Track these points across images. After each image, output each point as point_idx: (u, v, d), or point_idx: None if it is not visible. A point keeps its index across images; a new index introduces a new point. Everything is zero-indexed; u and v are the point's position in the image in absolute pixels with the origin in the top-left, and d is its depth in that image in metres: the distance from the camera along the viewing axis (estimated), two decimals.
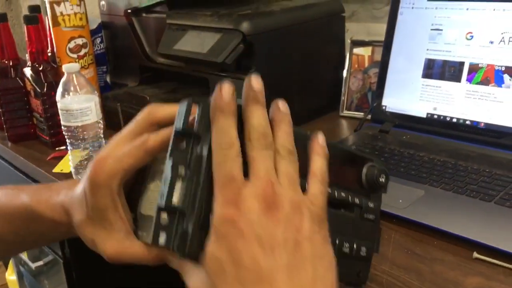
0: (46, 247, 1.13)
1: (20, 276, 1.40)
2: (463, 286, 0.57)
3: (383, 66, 1.01)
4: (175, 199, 0.35)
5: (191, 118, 0.37)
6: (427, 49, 0.94)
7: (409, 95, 0.97)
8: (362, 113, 1.08)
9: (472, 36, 0.89)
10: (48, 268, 1.15)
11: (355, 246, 0.44)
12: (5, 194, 0.51)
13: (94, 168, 0.42)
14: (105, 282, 1.07)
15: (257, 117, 0.37)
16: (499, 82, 0.86)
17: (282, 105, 0.39)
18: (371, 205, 0.46)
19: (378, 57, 1.08)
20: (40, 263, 1.14)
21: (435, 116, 0.93)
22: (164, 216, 0.35)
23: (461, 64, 0.90)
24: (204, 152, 0.36)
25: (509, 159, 0.82)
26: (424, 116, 0.95)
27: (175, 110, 0.39)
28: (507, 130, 0.85)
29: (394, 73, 0.99)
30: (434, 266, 0.61)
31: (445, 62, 0.92)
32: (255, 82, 0.37)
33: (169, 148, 0.37)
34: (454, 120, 0.91)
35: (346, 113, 1.14)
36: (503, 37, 0.85)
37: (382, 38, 1.02)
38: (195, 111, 0.37)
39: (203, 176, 0.36)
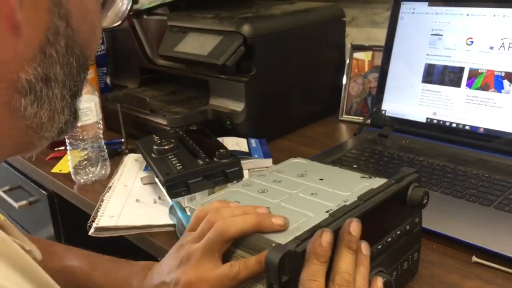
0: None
1: None
2: None
3: (383, 70, 1.01)
4: None
5: None
6: (427, 54, 0.95)
7: (409, 99, 0.97)
8: (362, 118, 1.09)
9: (472, 42, 0.89)
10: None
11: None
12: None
13: None
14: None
15: (346, 263, 0.43)
16: (499, 88, 0.86)
17: (364, 248, 0.45)
18: (416, 220, 0.57)
19: (378, 62, 1.09)
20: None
21: (435, 121, 0.93)
22: None
23: (461, 69, 0.90)
24: None
25: (508, 165, 0.82)
26: (424, 121, 0.95)
27: (244, 227, 0.48)
28: (507, 135, 0.85)
29: (394, 78, 0.99)
30: (433, 269, 0.61)
31: (445, 67, 0.93)
32: (354, 228, 0.44)
33: None
34: (454, 125, 0.91)
35: (345, 117, 1.14)
36: (503, 43, 0.86)
37: (382, 44, 1.02)
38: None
39: None
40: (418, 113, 0.96)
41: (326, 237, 0.43)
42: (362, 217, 0.47)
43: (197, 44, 0.99)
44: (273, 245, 0.45)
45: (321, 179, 0.58)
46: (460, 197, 0.73)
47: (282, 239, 0.46)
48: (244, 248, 0.49)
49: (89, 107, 0.85)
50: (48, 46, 0.34)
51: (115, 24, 0.46)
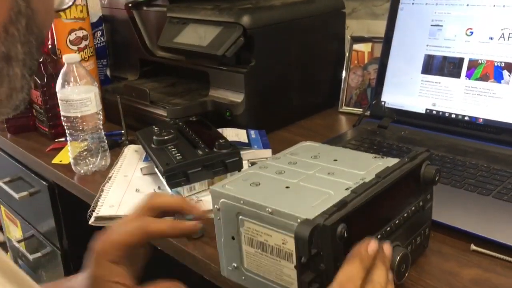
0: (44, 239, 1.13)
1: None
2: (459, 277, 0.57)
3: (382, 61, 1.01)
4: None
5: None
6: (427, 45, 0.95)
7: (408, 91, 0.97)
8: (361, 109, 1.09)
9: (472, 32, 0.89)
10: (46, 260, 1.15)
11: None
12: None
13: (99, 240, 0.54)
14: None
15: (379, 275, 0.46)
16: (498, 78, 0.86)
17: (387, 249, 0.48)
18: (428, 196, 0.59)
19: (377, 53, 1.08)
20: (38, 254, 1.14)
21: (434, 112, 0.94)
22: None
23: (461, 60, 0.90)
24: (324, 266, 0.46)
25: (507, 155, 0.82)
26: (423, 111, 0.95)
27: (172, 201, 0.58)
28: (506, 126, 0.85)
29: (394, 69, 0.99)
30: (431, 257, 0.61)
31: (444, 58, 0.92)
32: (387, 251, 0.48)
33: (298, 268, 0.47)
34: (453, 116, 0.91)
35: (345, 109, 1.14)
36: (503, 33, 0.86)
37: (382, 35, 1.02)
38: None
39: None
40: (417, 104, 0.96)
41: (373, 245, 0.46)
42: (381, 194, 0.50)
43: (197, 35, 0.99)
44: (300, 220, 0.46)
45: (335, 160, 0.60)
46: (458, 186, 0.74)
47: (309, 214, 0.47)
48: (270, 227, 0.51)
49: (89, 97, 0.85)
50: (10, 25, 0.35)
51: (66, 6, 0.47)
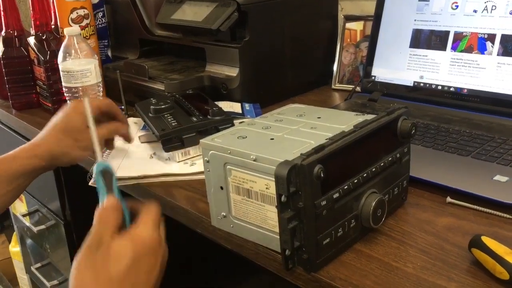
0: (48, 211, 1.18)
1: (23, 243, 1.45)
2: (434, 224, 0.61)
3: (373, 37, 1.04)
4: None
5: None
6: (415, 20, 0.98)
7: (397, 65, 1.00)
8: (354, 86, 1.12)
9: (457, 6, 0.93)
10: (49, 232, 1.20)
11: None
12: None
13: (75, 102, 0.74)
14: None
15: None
16: (482, 49, 0.89)
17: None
18: (405, 150, 0.63)
19: (369, 31, 1.12)
20: (42, 227, 1.18)
21: (421, 84, 0.97)
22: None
23: (447, 33, 0.94)
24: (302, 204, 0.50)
25: (490, 121, 0.85)
26: (411, 84, 0.98)
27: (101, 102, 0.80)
28: (489, 95, 0.88)
29: (383, 44, 1.03)
30: (409, 209, 0.65)
31: (431, 31, 0.96)
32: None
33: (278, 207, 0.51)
34: (439, 87, 0.95)
35: (338, 86, 1.18)
36: (486, 6, 0.89)
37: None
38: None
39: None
40: (406, 77, 0.99)
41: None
42: (358, 141, 0.54)
43: (192, 12, 1.03)
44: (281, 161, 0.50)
45: (319, 117, 0.64)
46: (440, 149, 0.77)
47: (289, 158, 0.50)
48: (255, 173, 0.55)
49: (89, 69, 0.89)
50: None
51: None
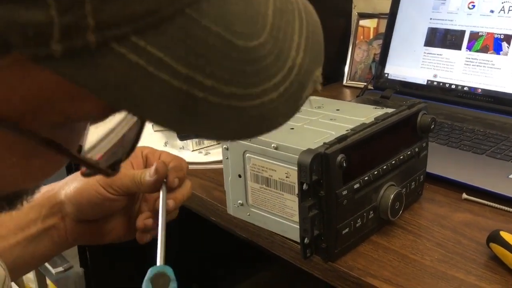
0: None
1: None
2: (451, 219, 0.61)
3: (387, 35, 1.04)
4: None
5: None
6: (430, 18, 0.98)
7: (411, 63, 1.00)
8: (365, 83, 1.12)
9: (474, 6, 0.93)
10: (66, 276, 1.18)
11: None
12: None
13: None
14: None
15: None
16: (498, 50, 0.89)
17: None
18: (424, 144, 0.62)
19: (383, 29, 1.12)
20: (60, 269, 1.16)
21: (435, 83, 0.97)
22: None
23: (462, 32, 0.94)
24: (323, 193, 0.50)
25: (504, 122, 0.85)
26: (425, 83, 0.98)
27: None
28: (503, 95, 0.88)
29: (398, 42, 1.03)
30: (425, 204, 0.65)
31: (447, 30, 0.96)
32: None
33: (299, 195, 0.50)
34: (453, 86, 0.95)
35: (349, 83, 1.18)
36: (503, 6, 0.89)
37: (388, 12, 1.05)
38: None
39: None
40: (419, 75, 0.99)
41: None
42: (379, 133, 0.54)
43: None
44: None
45: (338, 110, 0.64)
46: (454, 146, 0.77)
47: (311, 147, 0.50)
48: (275, 161, 0.56)
49: None
50: None
51: None
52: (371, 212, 0.55)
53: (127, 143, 0.30)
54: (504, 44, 0.89)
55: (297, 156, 0.50)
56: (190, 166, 0.77)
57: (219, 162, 0.76)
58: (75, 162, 0.25)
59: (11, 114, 0.21)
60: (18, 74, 0.19)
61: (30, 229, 0.52)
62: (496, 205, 0.62)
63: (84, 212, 0.52)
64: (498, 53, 0.89)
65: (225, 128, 0.22)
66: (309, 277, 0.56)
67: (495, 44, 0.90)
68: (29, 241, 0.52)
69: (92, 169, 0.27)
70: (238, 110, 0.21)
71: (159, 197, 0.50)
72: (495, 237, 0.52)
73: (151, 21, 0.19)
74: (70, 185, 0.52)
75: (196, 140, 0.81)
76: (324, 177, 0.49)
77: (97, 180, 0.51)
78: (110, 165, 0.29)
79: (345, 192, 0.51)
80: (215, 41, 0.20)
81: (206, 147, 0.82)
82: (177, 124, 0.21)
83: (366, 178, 0.53)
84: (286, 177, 0.55)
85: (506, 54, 0.88)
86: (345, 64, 1.18)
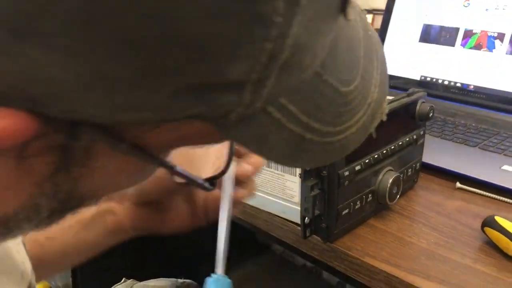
0: None
1: None
2: (445, 206, 0.62)
3: (382, 30, 1.06)
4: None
5: None
6: (426, 15, 1.00)
7: (406, 58, 1.02)
8: None
9: (469, 4, 0.95)
10: None
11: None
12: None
13: None
14: None
15: None
16: (491, 47, 0.91)
17: None
18: (421, 132, 0.64)
19: (378, 25, 1.13)
20: None
21: (428, 79, 0.99)
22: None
23: (457, 29, 0.96)
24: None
25: (494, 118, 0.87)
26: (418, 78, 1.00)
27: None
28: (495, 92, 0.90)
29: (392, 38, 1.04)
30: (419, 191, 0.66)
31: (441, 27, 0.98)
32: None
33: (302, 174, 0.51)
34: (446, 82, 0.96)
35: None
36: (497, 5, 0.91)
37: (382, 9, 1.07)
38: None
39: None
40: (413, 71, 1.01)
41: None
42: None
43: None
44: None
45: None
46: (448, 139, 0.79)
47: None
48: None
49: None
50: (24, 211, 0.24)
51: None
52: (370, 195, 0.56)
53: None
54: (497, 42, 0.91)
55: None
56: None
57: None
58: (179, 176, 0.27)
59: (167, 146, 0.24)
60: (185, 127, 0.22)
61: (84, 212, 0.47)
62: (489, 194, 0.64)
63: (145, 190, 0.47)
64: (491, 51, 0.91)
65: (315, 160, 0.25)
66: (295, 271, 0.57)
67: (489, 41, 0.92)
68: (83, 226, 0.48)
69: (193, 184, 0.28)
70: (328, 145, 0.24)
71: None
72: (490, 222, 0.53)
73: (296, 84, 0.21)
74: None
75: None
76: None
77: None
78: (207, 180, 0.30)
79: (346, 173, 0.52)
80: (328, 92, 0.23)
81: None
82: (285, 160, 0.24)
83: (367, 161, 0.54)
84: None
85: (498, 52, 0.90)
86: None
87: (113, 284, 0.73)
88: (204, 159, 0.38)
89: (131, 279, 0.73)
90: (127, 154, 0.21)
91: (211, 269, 0.41)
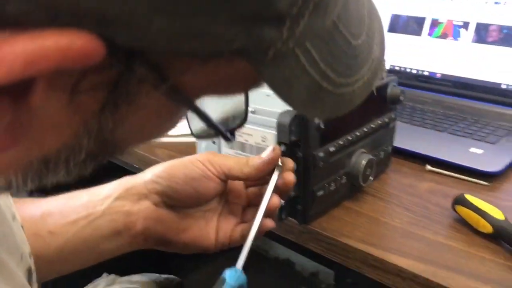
0: None
1: None
2: (417, 188, 0.63)
3: None
4: None
5: None
6: (394, 5, 1.01)
7: None
8: None
9: None
10: None
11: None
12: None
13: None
14: None
15: None
16: (456, 36, 0.94)
17: None
18: (393, 115, 0.65)
19: None
20: None
21: (397, 68, 1.00)
22: None
23: (424, 19, 0.98)
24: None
25: (461, 104, 0.90)
26: (387, 68, 1.02)
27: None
28: (461, 80, 0.93)
29: None
30: (391, 174, 0.67)
31: (409, 17, 1.00)
32: None
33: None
34: (414, 71, 0.98)
35: None
36: None
37: None
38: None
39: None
40: None
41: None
42: None
43: None
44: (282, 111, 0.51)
45: None
46: (417, 125, 0.80)
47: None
48: (251, 126, 0.56)
49: None
50: (55, 161, 0.24)
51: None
52: (344, 177, 0.57)
53: (238, 113, 0.35)
54: (462, 31, 0.93)
55: (275, 119, 0.51)
56: (160, 140, 0.76)
57: (190, 135, 0.76)
58: (205, 122, 0.28)
59: (202, 92, 0.25)
60: (226, 68, 0.24)
61: (95, 208, 0.46)
62: (458, 175, 0.65)
63: (175, 188, 0.46)
64: (456, 39, 0.94)
65: (327, 110, 0.27)
66: (267, 264, 0.57)
67: (454, 31, 0.94)
68: (89, 222, 0.45)
69: (217, 131, 0.29)
70: (340, 96, 0.26)
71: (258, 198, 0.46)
72: (460, 200, 0.55)
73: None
74: (158, 166, 0.47)
75: None
76: (302, 138, 0.50)
77: (196, 157, 0.47)
78: (229, 130, 0.32)
79: (321, 154, 0.52)
80: (342, 42, 0.25)
81: None
82: (301, 107, 0.26)
83: (341, 142, 0.55)
84: (262, 141, 0.56)
85: (464, 40, 0.93)
86: None
87: (92, 280, 0.72)
88: None
89: (113, 274, 0.72)
90: (167, 93, 0.23)
91: (196, 266, 0.41)
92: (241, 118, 0.35)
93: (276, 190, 0.46)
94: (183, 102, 0.24)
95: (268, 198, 0.45)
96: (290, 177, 0.47)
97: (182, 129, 0.77)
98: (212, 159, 0.47)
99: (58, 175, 0.24)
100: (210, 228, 0.49)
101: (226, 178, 0.47)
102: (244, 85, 0.27)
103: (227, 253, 0.48)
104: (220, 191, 0.48)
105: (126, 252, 0.49)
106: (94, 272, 0.72)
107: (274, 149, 0.46)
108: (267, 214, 0.45)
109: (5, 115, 0.19)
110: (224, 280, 0.37)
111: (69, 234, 0.45)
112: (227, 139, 0.32)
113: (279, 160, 0.46)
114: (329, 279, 1.22)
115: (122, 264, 0.80)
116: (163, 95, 0.23)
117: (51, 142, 0.22)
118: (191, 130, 0.37)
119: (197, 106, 0.25)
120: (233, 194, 0.49)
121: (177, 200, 0.47)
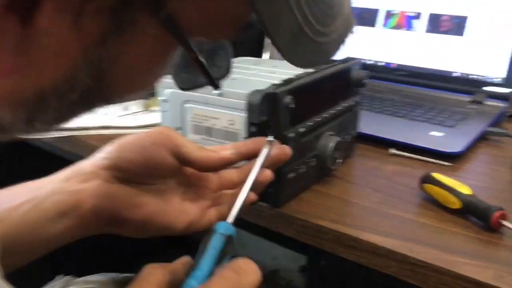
0: None
1: None
2: (383, 170, 0.64)
3: None
4: None
5: None
6: None
7: None
8: None
9: None
10: None
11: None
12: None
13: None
14: None
15: None
16: (409, 27, 0.96)
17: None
18: (357, 99, 0.65)
19: None
20: None
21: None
22: None
23: (378, 11, 0.99)
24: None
25: (417, 92, 0.92)
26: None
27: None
28: (416, 69, 0.95)
29: None
30: (356, 158, 0.67)
31: (363, 9, 1.01)
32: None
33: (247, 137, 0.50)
34: (370, 62, 1.00)
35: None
36: None
37: None
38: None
39: None
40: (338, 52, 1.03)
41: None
42: (320, 81, 0.55)
43: None
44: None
45: (275, 66, 0.64)
46: (377, 112, 0.81)
47: None
48: (219, 109, 0.55)
49: None
50: (51, 95, 0.25)
51: None
52: (313, 159, 0.56)
53: (222, 63, 0.36)
54: (415, 22, 0.95)
55: (243, 101, 0.50)
56: (119, 131, 0.73)
57: (150, 126, 0.73)
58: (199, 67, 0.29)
59: (195, 29, 0.26)
60: (220, 3, 0.26)
61: (40, 190, 0.43)
62: (421, 157, 0.66)
63: (125, 158, 0.43)
64: (409, 30, 0.96)
65: (308, 57, 0.30)
66: None
67: (407, 22, 0.96)
68: (33, 205, 0.42)
69: (207, 76, 0.31)
70: (318, 44, 0.29)
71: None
72: (427, 178, 0.55)
73: None
74: (109, 144, 0.45)
75: (123, 105, 0.77)
76: (272, 117, 0.49)
77: (149, 130, 0.44)
78: (214, 79, 0.32)
79: (292, 135, 0.51)
80: None
81: (133, 113, 0.78)
82: (284, 47, 0.28)
83: (311, 123, 0.54)
84: (230, 124, 0.54)
85: (416, 31, 0.95)
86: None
87: (44, 284, 0.67)
88: None
89: (69, 275, 0.67)
90: (164, 22, 0.23)
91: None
92: (225, 67, 0.36)
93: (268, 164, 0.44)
94: (178, 35, 0.25)
95: (258, 168, 0.42)
96: (286, 149, 0.47)
97: (147, 119, 0.74)
98: (165, 131, 0.44)
99: (47, 116, 0.24)
100: (170, 208, 0.44)
101: (183, 163, 0.44)
102: (233, 27, 0.28)
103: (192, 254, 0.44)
104: (174, 166, 0.44)
105: (78, 239, 0.45)
106: (42, 276, 0.68)
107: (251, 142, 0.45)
108: (254, 188, 0.42)
109: (12, 35, 0.20)
110: (214, 230, 0.36)
111: (12, 219, 0.41)
112: (215, 86, 0.32)
113: (269, 136, 0.44)
114: (290, 276, 1.22)
115: (80, 266, 0.76)
116: (159, 24, 0.23)
117: (50, 73, 0.23)
118: (177, 82, 0.36)
119: (189, 42, 0.26)
120: (195, 176, 0.46)
121: (128, 172, 0.43)
